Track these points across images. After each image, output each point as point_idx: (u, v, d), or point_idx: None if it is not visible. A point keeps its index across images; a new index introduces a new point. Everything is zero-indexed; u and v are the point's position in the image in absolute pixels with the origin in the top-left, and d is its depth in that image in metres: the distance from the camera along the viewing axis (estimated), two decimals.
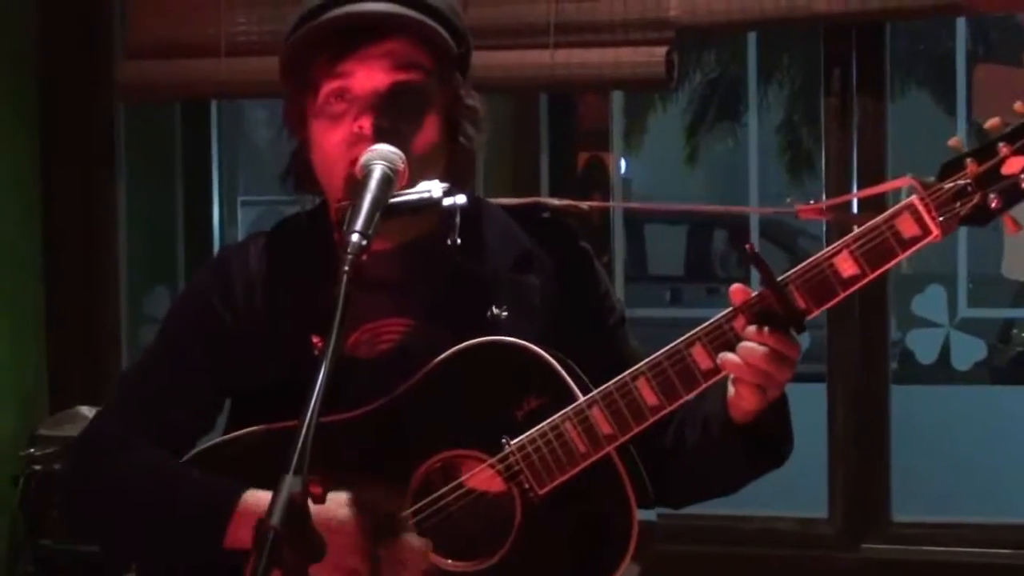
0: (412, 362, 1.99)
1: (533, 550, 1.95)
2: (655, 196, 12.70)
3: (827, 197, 3.49)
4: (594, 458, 1.93)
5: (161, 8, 3.90)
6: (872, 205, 2.58)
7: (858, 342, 3.57)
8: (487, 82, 3.49)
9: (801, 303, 1.85)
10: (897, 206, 1.82)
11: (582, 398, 1.93)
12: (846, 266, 1.83)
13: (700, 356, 1.89)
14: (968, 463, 4.04)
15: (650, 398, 1.91)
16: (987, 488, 3.88)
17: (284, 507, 1.53)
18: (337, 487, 1.92)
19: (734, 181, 9.47)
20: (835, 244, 1.84)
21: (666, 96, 11.79)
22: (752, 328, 1.86)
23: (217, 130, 4.49)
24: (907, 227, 1.81)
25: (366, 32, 1.97)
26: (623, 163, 5.14)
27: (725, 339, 1.88)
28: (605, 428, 1.92)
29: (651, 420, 1.91)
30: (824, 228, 3.64)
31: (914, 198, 1.81)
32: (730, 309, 1.88)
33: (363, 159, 1.89)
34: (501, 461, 1.95)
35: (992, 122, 1.80)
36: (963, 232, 3.86)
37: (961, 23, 3.85)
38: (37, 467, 3.71)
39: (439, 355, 1.98)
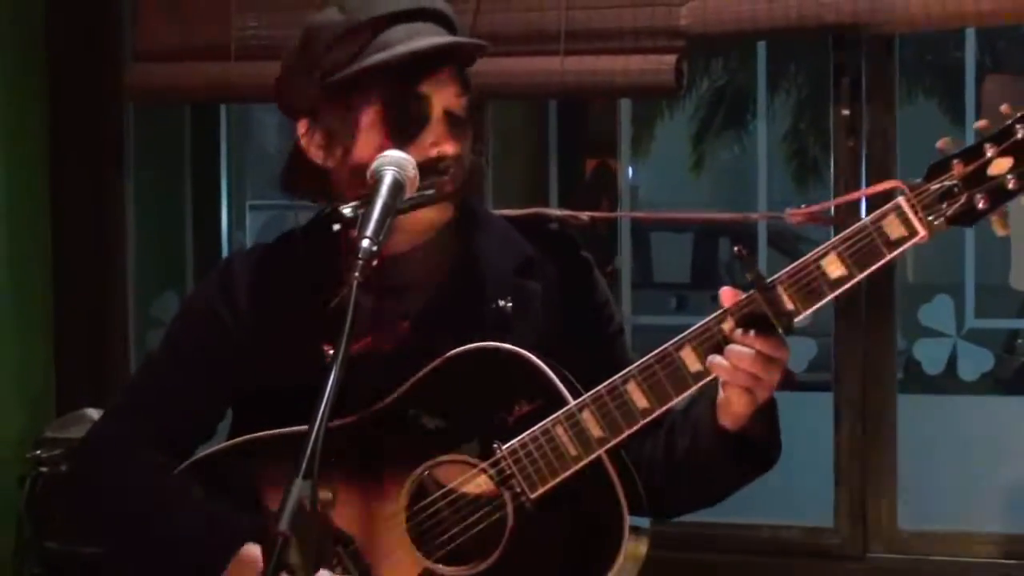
0: (415, 362, 2.01)
1: (526, 554, 1.96)
2: (662, 203, 12.72)
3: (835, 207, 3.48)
4: (585, 461, 1.94)
5: (171, 11, 3.89)
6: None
7: (865, 352, 3.57)
8: (498, 89, 3.53)
9: (789, 304, 1.85)
10: (884, 207, 1.82)
11: (573, 402, 1.94)
12: (834, 268, 1.84)
13: (690, 359, 1.89)
14: (974, 473, 4.03)
15: (641, 401, 1.91)
16: (993, 498, 3.87)
17: (292, 512, 1.53)
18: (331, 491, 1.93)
19: (740, 188, 9.46)
20: (823, 246, 1.85)
21: (673, 103, 11.79)
22: (739, 330, 1.86)
23: (226, 134, 4.48)
24: (894, 228, 1.81)
25: (438, 58, 2.01)
26: (630, 170, 5.15)
27: (714, 341, 1.88)
28: (596, 431, 1.93)
29: (642, 423, 1.92)
30: (832, 233, 3.62)
31: (900, 199, 1.81)
32: (720, 311, 1.89)
33: (374, 164, 1.90)
34: (493, 466, 1.97)
35: (980, 123, 1.80)
36: (971, 242, 3.86)
37: (970, 33, 3.84)
38: (43, 469, 3.70)
39: (441, 355, 1.99)
